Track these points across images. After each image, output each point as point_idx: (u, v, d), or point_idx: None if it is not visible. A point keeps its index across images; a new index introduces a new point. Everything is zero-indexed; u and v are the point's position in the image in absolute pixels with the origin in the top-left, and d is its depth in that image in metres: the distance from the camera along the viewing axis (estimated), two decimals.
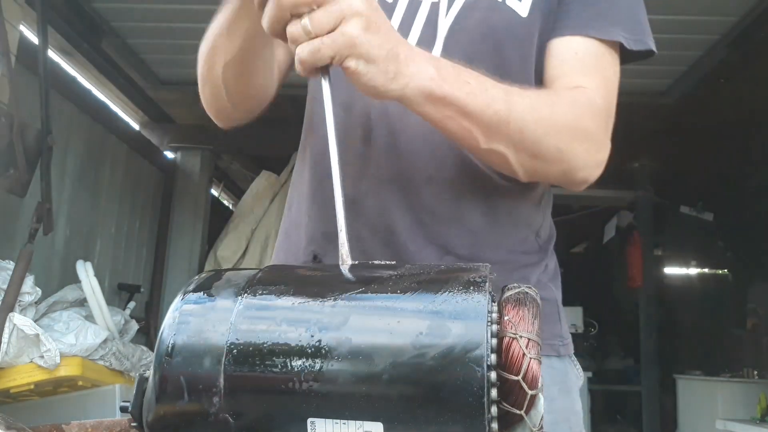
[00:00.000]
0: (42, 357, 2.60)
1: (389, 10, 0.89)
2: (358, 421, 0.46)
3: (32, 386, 2.64)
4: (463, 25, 0.87)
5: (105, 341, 2.94)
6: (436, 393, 0.46)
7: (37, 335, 2.58)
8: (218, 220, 5.31)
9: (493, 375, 0.47)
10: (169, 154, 5.10)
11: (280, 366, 0.48)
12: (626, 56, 0.90)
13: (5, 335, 2.52)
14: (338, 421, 0.46)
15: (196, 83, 0.97)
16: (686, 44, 3.60)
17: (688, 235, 6.01)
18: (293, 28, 0.63)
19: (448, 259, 0.85)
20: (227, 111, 0.97)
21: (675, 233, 6.09)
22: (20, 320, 2.56)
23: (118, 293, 4.19)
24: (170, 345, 0.51)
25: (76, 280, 3.25)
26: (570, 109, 0.80)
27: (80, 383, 2.79)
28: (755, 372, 4.69)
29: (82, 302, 3.20)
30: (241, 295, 0.53)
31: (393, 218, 0.84)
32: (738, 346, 5.27)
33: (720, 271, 6.30)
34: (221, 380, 0.49)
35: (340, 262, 0.62)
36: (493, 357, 0.48)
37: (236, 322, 0.51)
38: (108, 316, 3.12)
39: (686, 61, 3.83)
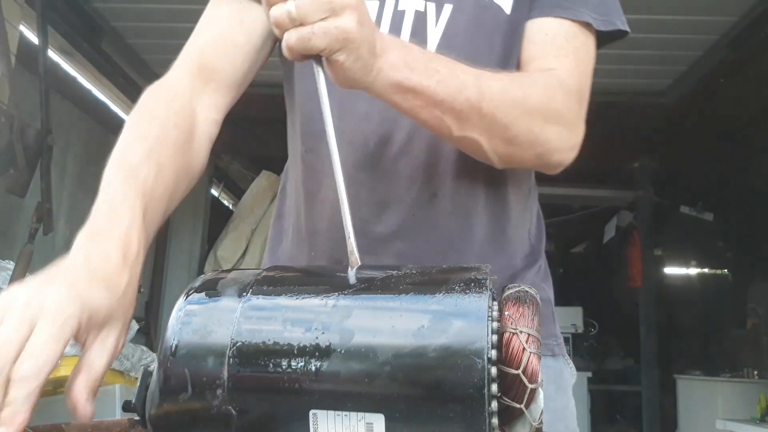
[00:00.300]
0: None
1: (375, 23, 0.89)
2: (359, 413, 0.46)
3: None
4: (455, 31, 0.86)
5: None
6: (437, 385, 0.46)
7: None
8: (218, 220, 5.31)
9: (493, 370, 0.47)
10: None
11: (283, 359, 0.48)
12: (602, 38, 0.90)
13: None
14: (340, 412, 0.47)
15: None
16: (686, 44, 3.60)
17: (688, 235, 6.01)
18: (277, 12, 0.61)
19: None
20: None
21: (675, 233, 6.09)
22: None
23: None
24: (175, 338, 0.52)
25: None
26: (542, 92, 0.79)
27: None
28: (755, 372, 4.69)
29: None
30: (245, 292, 0.54)
31: (400, 242, 0.84)
32: (738, 346, 5.27)
33: (720, 271, 6.30)
34: (225, 373, 0.49)
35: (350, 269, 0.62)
36: (494, 352, 0.48)
37: (241, 318, 0.51)
38: None
39: (686, 61, 3.83)
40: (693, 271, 6.93)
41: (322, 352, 0.48)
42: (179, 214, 4.94)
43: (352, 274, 0.58)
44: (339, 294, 0.52)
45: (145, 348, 3.45)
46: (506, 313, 0.51)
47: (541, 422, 0.49)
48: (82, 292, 0.54)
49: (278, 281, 0.57)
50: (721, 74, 3.84)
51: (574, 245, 8.15)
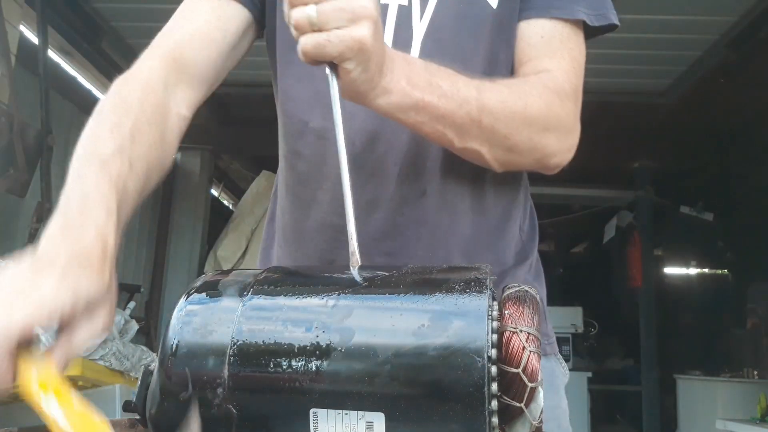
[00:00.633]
0: None
1: None
2: (360, 412, 0.46)
3: None
4: (440, 25, 0.86)
5: (105, 341, 2.94)
6: (437, 384, 0.46)
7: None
8: (218, 220, 5.31)
9: (493, 369, 0.47)
10: None
11: (283, 358, 0.49)
12: (591, 31, 0.90)
13: None
14: (340, 411, 0.47)
15: None
16: (686, 44, 3.60)
17: (688, 235, 6.01)
18: (298, 14, 0.62)
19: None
20: None
21: (675, 233, 6.09)
22: None
23: (118, 293, 4.19)
24: (176, 338, 0.52)
25: None
26: (540, 99, 0.80)
27: (80, 383, 2.79)
28: (755, 372, 4.69)
29: None
30: (246, 292, 0.54)
31: (389, 240, 0.84)
32: (738, 346, 5.27)
33: (720, 271, 6.30)
34: (225, 372, 0.49)
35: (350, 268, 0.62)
36: (494, 352, 0.48)
37: (241, 318, 0.51)
38: None
39: (686, 61, 3.83)
40: (693, 271, 6.93)
41: (323, 351, 0.48)
42: (179, 214, 4.94)
43: (352, 274, 0.58)
44: (339, 294, 0.52)
45: (145, 348, 3.45)
46: (506, 312, 0.51)
47: (541, 421, 0.49)
48: (72, 282, 0.55)
49: (279, 281, 0.57)
50: (721, 74, 3.84)
51: (574, 245, 8.14)
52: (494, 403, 0.47)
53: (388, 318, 0.49)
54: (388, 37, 0.87)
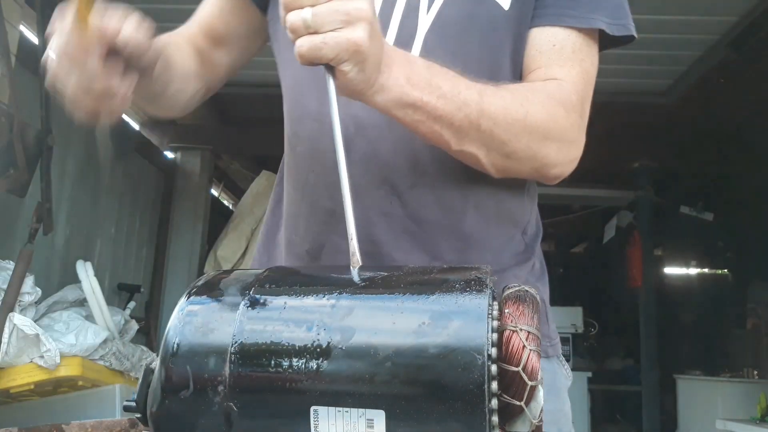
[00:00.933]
0: (42, 357, 2.60)
1: None
2: (360, 410, 0.47)
3: (32, 386, 2.64)
4: (446, 20, 0.86)
5: (105, 341, 2.94)
6: (438, 382, 0.46)
7: (37, 335, 2.58)
8: (218, 220, 5.32)
9: (493, 368, 0.47)
10: (169, 154, 5.10)
11: (284, 356, 0.49)
12: (607, 42, 0.90)
13: (5, 335, 2.52)
14: (341, 409, 0.47)
15: None
16: (686, 44, 3.60)
17: (688, 235, 6.02)
18: (293, 18, 0.63)
19: (436, 264, 0.84)
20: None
21: (675, 233, 6.10)
22: (20, 320, 2.56)
23: (118, 293, 4.19)
24: (177, 336, 0.52)
25: (76, 280, 3.26)
26: (544, 108, 0.79)
27: (80, 383, 2.79)
28: (755, 372, 4.69)
29: (82, 302, 3.20)
30: (248, 291, 0.54)
31: (376, 228, 0.83)
32: (738, 346, 5.27)
33: (720, 271, 6.30)
34: (226, 370, 0.49)
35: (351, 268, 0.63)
36: (494, 350, 0.48)
37: (243, 316, 0.52)
38: (108, 316, 3.12)
39: (686, 61, 3.83)
40: (693, 271, 6.94)
41: (323, 350, 0.48)
42: (179, 214, 4.95)
43: (352, 274, 0.58)
44: (340, 293, 0.52)
45: (145, 348, 3.45)
46: (506, 311, 0.51)
47: (541, 420, 0.49)
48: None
49: (280, 281, 0.57)
50: (721, 74, 3.85)
51: (574, 245, 8.15)
52: (494, 402, 0.47)
53: (389, 317, 0.49)
54: (393, 27, 0.87)
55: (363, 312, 0.51)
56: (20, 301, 2.67)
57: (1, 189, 2.68)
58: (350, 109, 0.81)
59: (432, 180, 0.84)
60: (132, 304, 3.96)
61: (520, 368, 0.47)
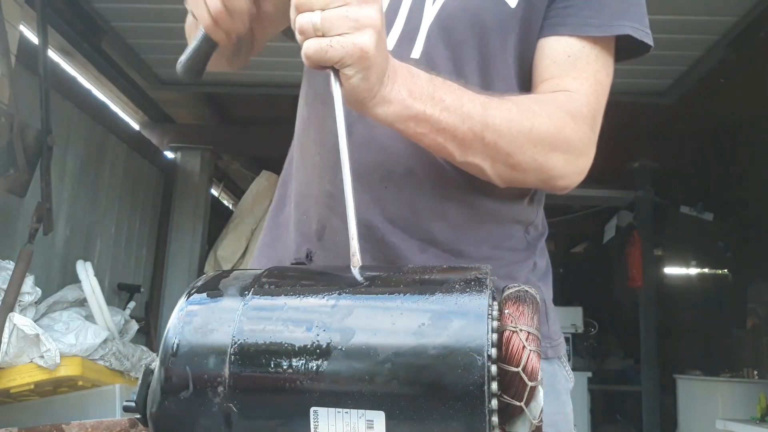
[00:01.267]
0: (42, 357, 2.60)
1: None
2: (360, 410, 0.47)
3: (32, 386, 2.64)
4: (450, 14, 0.86)
5: (105, 341, 2.94)
6: (438, 382, 0.46)
7: (37, 335, 2.58)
8: (218, 220, 5.32)
9: (493, 368, 0.47)
10: (169, 154, 5.10)
11: (284, 357, 0.49)
12: (625, 51, 0.89)
13: (5, 335, 2.52)
14: (341, 410, 0.47)
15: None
16: (686, 44, 3.60)
17: (688, 235, 6.02)
18: (303, 20, 0.64)
19: (430, 251, 0.84)
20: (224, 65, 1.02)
21: (675, 233, 6.09)
22: (20, 320, 2.56)
23: (118, 293, 4.20)
24: (177, 336, 0.52)
25: (76, 280, 3.26)
26: (551, 120, 0.79)
27: (80, 383, 2.79)
28: (755, 372, 4.69)
29: (82, 302, 3.20)
30: (247, 291, 0.54)
31: (372, 212, 0.83)
32: (738, 346, 5.27)
33: (720, 271, 6.30)
34: (226, 371, 0.49)
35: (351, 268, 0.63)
36: (494, 351, 0.48)
37: (242, 317, 0.52)
38: (108, 316, 3.12)
39: (686, 61, 3.83)
40: (693, 271, 6.93)
41: (323, 350, 0.48)
42: (179, 214, 4.95)
43: (352, 274, 0.58)
44: (340, 293, 0.52)
45: (145, 348, 3.45)
46: (506, 311, 0.51)
47: (541, 420, 0.49)
48: None
49: (280, 281, 0.57)
50: (721, 74, 3.85)
51: (574, 245, 8.14)
52: (494, 402, 0.47)
53: (389, 317, 0.49)
54: (401, 19, 0.87)
55: (363, 312, 0.51)
56: (20, 301, 2.67)
57: (1, 189, 2.68)
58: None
59: (428, 168, 0.84)
60: (132, 304, 3.96)
61: (520, 369, 0.47)
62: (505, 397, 0.48)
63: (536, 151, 0.78)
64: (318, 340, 0.49)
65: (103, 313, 3.10)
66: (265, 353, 0.49)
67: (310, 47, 0.64)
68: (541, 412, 0.49)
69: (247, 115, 5.23)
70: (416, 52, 0.86)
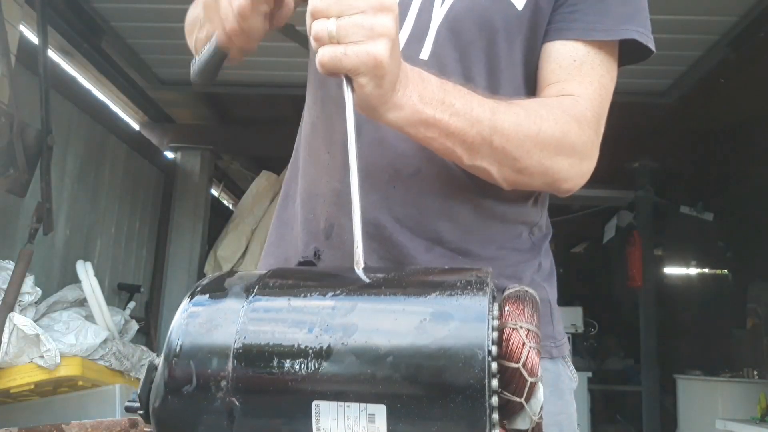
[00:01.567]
0: (42, 357, 2.60)
1: None
2: (361, 404, 0.47)
3: (32, 386, 2.64)
4: (458, 15, 0.86)
5: (105, 341, 2.94)
6: (438, 376, 0.47)
7: (37, 335, 2.58)
8: (218, 220, 5.32)
9: (494, 365, 0.48)
10: (169, 154, 5.11)
11: (287, 352, 0.49)
12: (626, 58, 0.90)
13: (5, 335, 2.52)
14: (342, 404, 0.47)
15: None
16: (686, 44, 3.61)
17: (688, 235, 6.02)
18: (318, 27, 0.64)
19: (437, 250, 0.84)
20: None
21: (675, 233, 6.10)
22: (20, 320, 2.56)
23: (118, 293, 4.20)
24: (181, 332, 0.53)
25: (76, 280, 3.26)
26: (557, 124, 0.80)
27: (80, 383, 2.80)
28: (755, 372, 4.69)
29: (82, 302, 3.20)
30: (251, 289, 0.55)
31: (379, 211, 0.84)
32: (738, 346, 5.27)
33: (720, 271, 6.30)
34: (229, 366, 0.50)
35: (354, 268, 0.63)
36: (494, 348, 0.49)
37: (246, 313, 0.53)
38: (108, 316, 3.13)
39: (686, 61, 3.84)
40: (693, 271, 6.94)
41: (325, 344, 0.49)
42: (179, 214, 4.95)
43: (355, 275, 0.59)
44: (342, 292, 0.53)
45: (145, 348, 3.46)
46: (506, 309, 0.52)
47: (541, 417, 0.49)
48: None
49: (283, 281, 0.58)
50: (721, 74, 3.85)
51: (574, 245, 8.15)
52: (495, 399, 0.47)
53: (391, 314, 0.50)
54: (410, 19, 0.88)
55: (365, 310, 0.51)
56: (20, 301, 2.67)
57: (1, 189, 2.69)
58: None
59: (436, 168, 0.84)
60: (132, 304, 3.97)
61: (520, 365, 0.48)
62: (505, 393, 0.48)
63: (542, 155, 0.79)
64: (320, 336, 0.49)
65: (103, 313, 3.11)
66: (268, 348, 0.50)
67: (324, 55, 0.64)
68: (541, 409, 0.49)
69: (247, 115, 5.23)
70: (425, 53, 0.86)
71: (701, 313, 6.40)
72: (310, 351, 0.49)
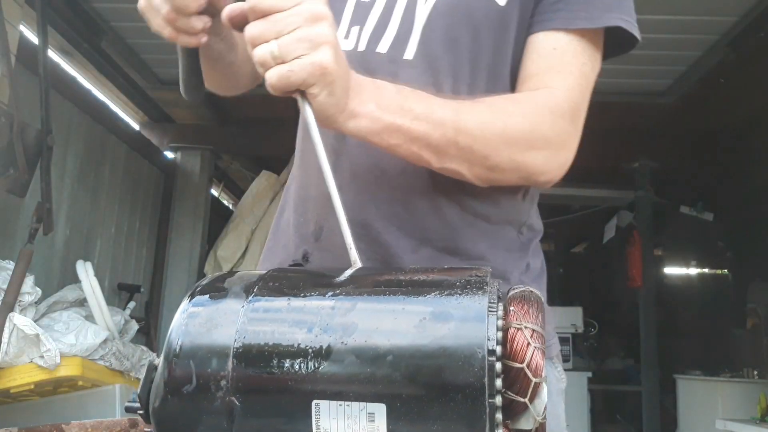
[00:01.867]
0: (42, 357, 2.60)
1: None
2: (361, 403, 0.47)
3: (32, 386, 2.64)
4: (442, 12, 0.87)
5: (105, 341, 2.94)
6: (439, 376, 0.47)
7: (37, 335, 2.58)
8: (218, 220, 5.32)
9: (498, 365, 0.47)
10: (169, 154, 5.11)
11: (287, 351, 0.49)
12: (611, 49, 0.90)
13: (5, 335, 2.52)
14: (342, 403, 0.47)
15: None
16: (686, 44, 3.61)
17: (688, 235, 6.02)
18: (260, 52, 0.64)
19: (425, 250, 0.84)
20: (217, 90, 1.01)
21: (675, 233, 6.10)
22: (20, 320, 2.56)
23: (118, 293, 4.20)
24: (181, 332, 0.53)
25: (76, 280, 3.26)
26: (525, 118, 0.80)
27: (80, 383, 2.79)
28: (755, 372, 4.69)
29: (82, 302, 3.20)
30: (251, 289, 0.55)
31: (367, 211, 0.84)
32: (738, 346, 5.27)
33: (720, 271, 6.30)
34: (229, 365, 0.50)
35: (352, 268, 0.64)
36: (499, 348, 0.49)
37: (246, 312, 0.53)
38: (108, 316, 3.12)
39: (686, 61, 3.84)
40: (693, 271, 6.94)
41: (325, 344, 0.49)
42: (179, 214, 4.95)
43: (354, 275, 0.59)
44: (342, 292, 0.53)
45: (145, 348, 3.46)
46: (511, 309, 0.52)
47: (545, 417, 0.49)
48: None
49: (283, 281, 0.58)
50: (721, 74, 3.85)
51: (574, 245, 8.16)
52: (498, 399, 0.47)
53: (390, 313, 0.50)
54: (396, 18, 0.87)
55: (365, 309, 0.51)
56: (20, 301, 2.67)
57: (1, 189, 2.68)
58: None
59: (421, 167, 0.83)
60: (132, 304, 3.96)
61: (524, 365, 0.48)
62: (509, 393, 0.48)
63: (512, 151, 0.78)
64: (320, 336, 0.49)
65: (103, 313, 3.11)
66: (268, 347, 0.50)
67: (272, 76, 0.64)
68: (545, 409, 0.49)
69: (247, 115, 5.23)
70: (410, 53, 0.86)
71: (701, 313, 6.41)
72: (310, 351, 0.49)
